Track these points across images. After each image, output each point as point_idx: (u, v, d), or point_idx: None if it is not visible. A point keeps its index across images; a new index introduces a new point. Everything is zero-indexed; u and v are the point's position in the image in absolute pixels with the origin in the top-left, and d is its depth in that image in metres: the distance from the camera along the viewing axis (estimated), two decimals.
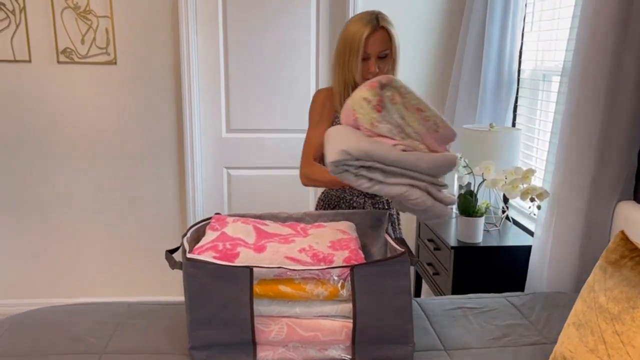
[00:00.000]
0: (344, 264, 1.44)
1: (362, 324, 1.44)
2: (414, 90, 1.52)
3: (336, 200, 2.05)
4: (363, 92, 1.50)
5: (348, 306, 1.45)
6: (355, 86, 1.89)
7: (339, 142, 1.44)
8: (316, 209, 2.13)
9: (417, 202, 1.43)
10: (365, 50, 1.83)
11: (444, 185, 1.51)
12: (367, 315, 1.44)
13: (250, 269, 1.40)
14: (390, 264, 1.44)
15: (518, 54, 2.76)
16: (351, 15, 2.93)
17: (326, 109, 1.98)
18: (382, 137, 1.46)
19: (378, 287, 1.43)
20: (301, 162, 1.96)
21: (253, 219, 1.71)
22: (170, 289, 3.27)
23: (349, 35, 1.85)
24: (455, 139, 1.58)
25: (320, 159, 1.95)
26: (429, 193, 1.46)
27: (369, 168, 1.42)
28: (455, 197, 1.47)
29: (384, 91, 1.48)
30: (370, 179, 1.43)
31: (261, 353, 1.45)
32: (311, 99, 2.05)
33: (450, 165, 1.48)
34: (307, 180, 1.91)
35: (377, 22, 1.84)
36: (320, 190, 3.25)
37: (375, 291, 1.43)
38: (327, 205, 2.08)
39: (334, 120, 1.97)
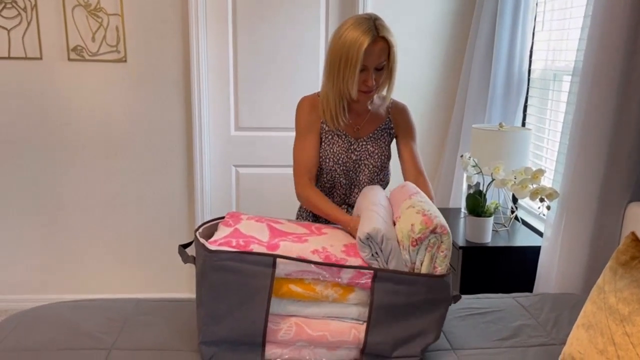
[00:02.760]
0: (364, 267, 1.44)
1: (374, 338, 1.45)
2: (449, 254, 1.48)
3: None
4: (416, 218, 1.46)
5: (356, 309, 1.46)
6: (350, 98, 1.80)
7: (381, 222, 1.50)
8: (300, 214, 2.03)
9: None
10: (363, 62, 1.69)
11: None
12: (381, 331, 1.45)
13: (273, 257, 1.40)
14: (412, 280, 1.44)
15: (528, 53, 2.75)
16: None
17: (312, 119, 1.87)
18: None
19: (395, 301, 1.44)
20: (295, 179, 1.85)
21: (267, 218, 1.71)
22: (178, 286, 3.28)
23: (345, 44, 1.68)
24: None
25: (314, 178, 1.88)
26: None
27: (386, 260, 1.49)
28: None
29: (430, 235, 1.44)
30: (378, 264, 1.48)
31: (269, 352, 1.45)
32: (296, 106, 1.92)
33: None
34: (307, 203, 1.83)
35: (376, 32, 1.68)
36: None
37: (391, 305, 1.44)
38: (311, 212, 1.97)
39: (321, 131, 1.88)
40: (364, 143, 1.89)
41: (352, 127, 1.89)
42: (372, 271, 1.42)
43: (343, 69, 1.71)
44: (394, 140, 1.97)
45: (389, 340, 1.45)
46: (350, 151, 1.88)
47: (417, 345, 1.46)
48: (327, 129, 1.88)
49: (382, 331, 1.44)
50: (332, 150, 1.87)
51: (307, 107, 1.89)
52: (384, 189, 1.95)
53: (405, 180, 1.92)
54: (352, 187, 1.92)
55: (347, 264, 1.44)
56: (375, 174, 1.91)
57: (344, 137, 1.88)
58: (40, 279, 3.23)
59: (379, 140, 1.91)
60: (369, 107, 1.91)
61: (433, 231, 1.43)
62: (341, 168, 1.88)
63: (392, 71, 1.78)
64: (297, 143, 1.89)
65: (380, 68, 1.74)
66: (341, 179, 1.89)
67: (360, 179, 1.91)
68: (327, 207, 1.77)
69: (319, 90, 1.90)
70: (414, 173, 1.91)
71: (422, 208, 1.50)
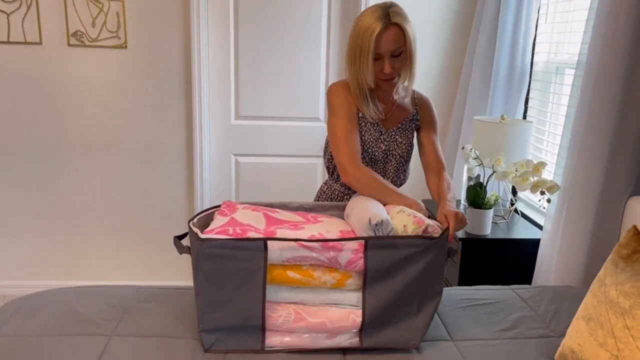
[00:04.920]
0: (355, 238, 1.45)
1: (371, 313, 1.45)
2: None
3: (340, 195, 1.95)
4: (408, 219, 1.51)
5: (355, 295, 1.47)
6: (371, 87, 1.78)
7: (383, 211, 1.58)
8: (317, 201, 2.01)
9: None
10: (376, 49, 1.69)
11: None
12: (377, 304, 1.45)
13: (264, 241, 1.40)
14: (408, 245, 1.44)
15: (531, 45, 2.74)
16: (363, 3, 2.91)
17: (350, 101, 1.82)
18: None
19: (390, 272, 1.45)
20: (347, 163, 1.74)
21: (263, 207, 1.71)
22: (178, 274, 3.29)
23: (359, 33, 1.70)
24: None
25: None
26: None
27: None
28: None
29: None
30: None
31: (269, 339, 1.46)
32: (326, 91, 1.87)
33: None
34: (371, 182, 1.72)
35: (388, 19, 1.69)
36: (320, 181, 3.24)
37: (387, 277, 1.45)
38: (329, 199, 1.97)
39: (358, 118, 1.85)
40: (393, 133, 1.89)
41: (381, 116, 1.88)
42: (362, 240, 1.42)
43: (358, 57, 1.72)
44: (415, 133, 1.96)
45: (383, 310, 1.46)
46: (379, 141, 1.87)
47: (431, 306, 1.49)
48: (360, 115, 1.85)
49: (378, 297, 1.45)
50: (363, 139, 1.85)
51: (344, 90, 1.84)
52: (402, 185, 1.97)
53: (427, 173, 1.92)
54: None
55: (344, 247, 1.43)
56: (402, 165, 1.91)
57: (375, 125, 1.86)
58: (40, 265, 3.23)
59: (406, 131, 1.91)
60: (395, 97, 1.89)
61: (425, 231, 1.47)
62: (370, 157, 1.86)
63: (411, 58, 1.76)
64: (341, 125, 1.79)
65: (396, 55, 1.73)
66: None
67: (388, 169, 1.90)
68: (391, 190, 1.73)
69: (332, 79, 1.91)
70: (436, 166, 1.90)
71: (412, 212, 1.57)
